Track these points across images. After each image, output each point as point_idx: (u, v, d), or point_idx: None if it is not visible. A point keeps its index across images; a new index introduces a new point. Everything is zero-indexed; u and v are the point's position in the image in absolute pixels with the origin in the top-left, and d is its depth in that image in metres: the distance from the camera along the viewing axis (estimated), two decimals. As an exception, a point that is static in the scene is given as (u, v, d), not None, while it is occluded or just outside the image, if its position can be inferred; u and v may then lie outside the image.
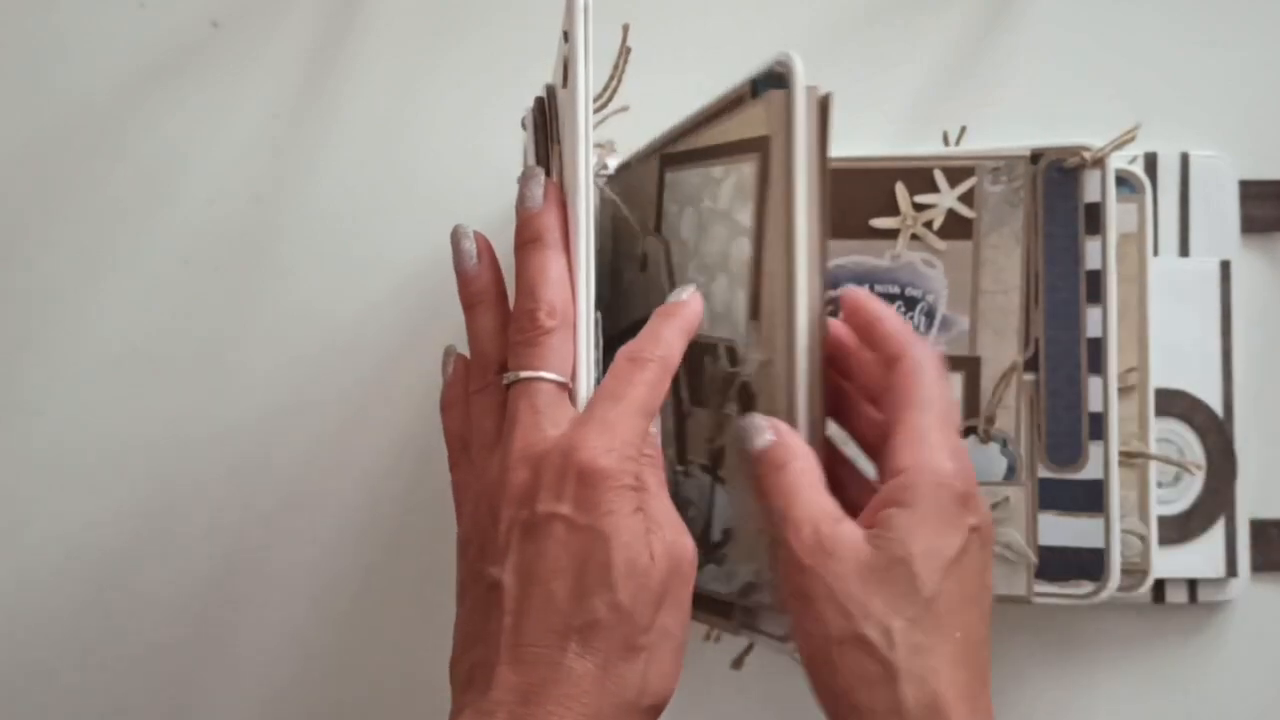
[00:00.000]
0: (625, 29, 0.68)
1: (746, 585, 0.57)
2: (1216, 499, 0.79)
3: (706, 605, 0.60)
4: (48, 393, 0.84)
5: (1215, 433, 0.78)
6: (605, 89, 0.70)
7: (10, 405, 0.84)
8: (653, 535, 0.49)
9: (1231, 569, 0.79)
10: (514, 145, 0.78)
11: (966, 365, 0.73)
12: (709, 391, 0.60)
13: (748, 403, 0.56)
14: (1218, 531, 0.79)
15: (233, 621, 0.84)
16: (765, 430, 0.53)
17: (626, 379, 0.51)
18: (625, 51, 0.67)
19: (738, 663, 0.69)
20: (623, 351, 0.52)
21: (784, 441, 0.53)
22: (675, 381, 0.56)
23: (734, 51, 0.84)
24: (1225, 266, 0.79)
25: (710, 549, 0.59)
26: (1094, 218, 0.69)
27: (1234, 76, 0.84)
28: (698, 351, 0.60)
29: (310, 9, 0.85)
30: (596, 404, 0.50)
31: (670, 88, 0.84)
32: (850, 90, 0.83)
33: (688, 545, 0.50)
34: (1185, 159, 0.80)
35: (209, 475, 0.83)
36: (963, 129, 0.77)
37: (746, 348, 0.57)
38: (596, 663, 0.46)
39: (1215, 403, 0.79)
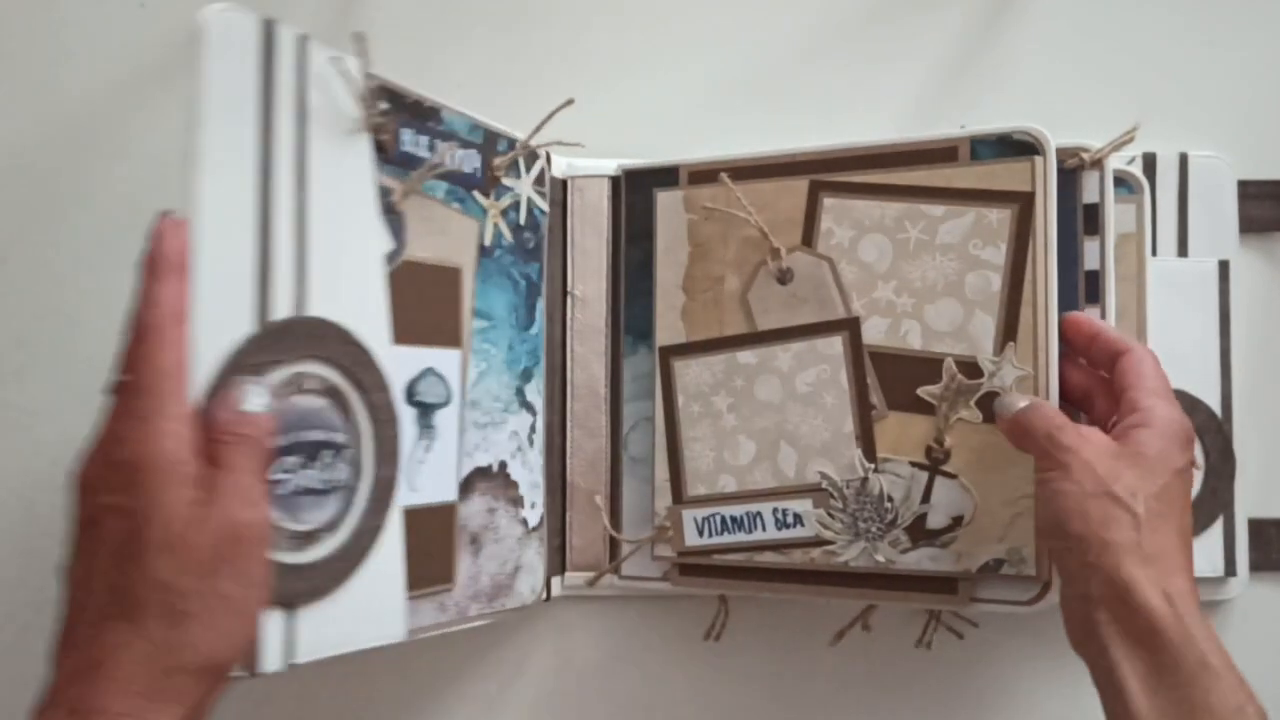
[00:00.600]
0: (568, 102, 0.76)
1: (992, 562, 0.70)
2: (1215, 498, 0.79)
3: (924, 584, 0.72)
4: (47, 393, 0.84)
5: (1214, 433, 0.79)
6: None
7: (10, 405, 0.84)
8: (209, 508, 0.52)
9: (1230, 568, 0.80)
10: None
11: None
12: (935, 399, 0.72)
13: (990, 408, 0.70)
14: (1216, 531, 0.79)
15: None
16: (1020, 400, 0.67)
17: (155, 373, 0.53)
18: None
19: (838, 637, 0.80)
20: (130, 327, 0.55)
21: (1038, 402, 0.67)
22: (864, 389, 0.73)
23: (734, 52, 0.86)
24: (1224, 266, 0.80)
25: (929, 535, 0.72)
26: (1092, 218, 0.71)
27: (1234, 76, 0.84)
28: (903, 365, 0.73)
29: (309, 8, 0.86)
30: (130, 399, 0.53)
31: (670, 87, 0.85)
32: (850, 90, 0.84)
33: (253, 517, 0.54)
34: (1184, 159, 0.81)
35: None
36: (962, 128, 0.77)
37: (996, 364, 0.70)
38: (136, 632, 0.50)
39: (1214, 402, 0.79)
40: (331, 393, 0.63)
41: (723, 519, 0.77)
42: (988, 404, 0.70)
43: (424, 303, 0.69)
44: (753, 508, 0.76)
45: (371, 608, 0.65)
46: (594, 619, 0.84)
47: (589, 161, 0.83)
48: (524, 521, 0.78)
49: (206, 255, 0.57)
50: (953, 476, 0.71)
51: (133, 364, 0.54)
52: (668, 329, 0.79)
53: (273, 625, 0.58)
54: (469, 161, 0.74)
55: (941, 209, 0.72)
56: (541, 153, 0.81)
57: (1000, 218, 0.70)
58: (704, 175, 0.79)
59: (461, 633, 0.73)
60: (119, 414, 0.54)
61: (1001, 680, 0.81)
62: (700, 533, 0.77)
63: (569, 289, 0.83)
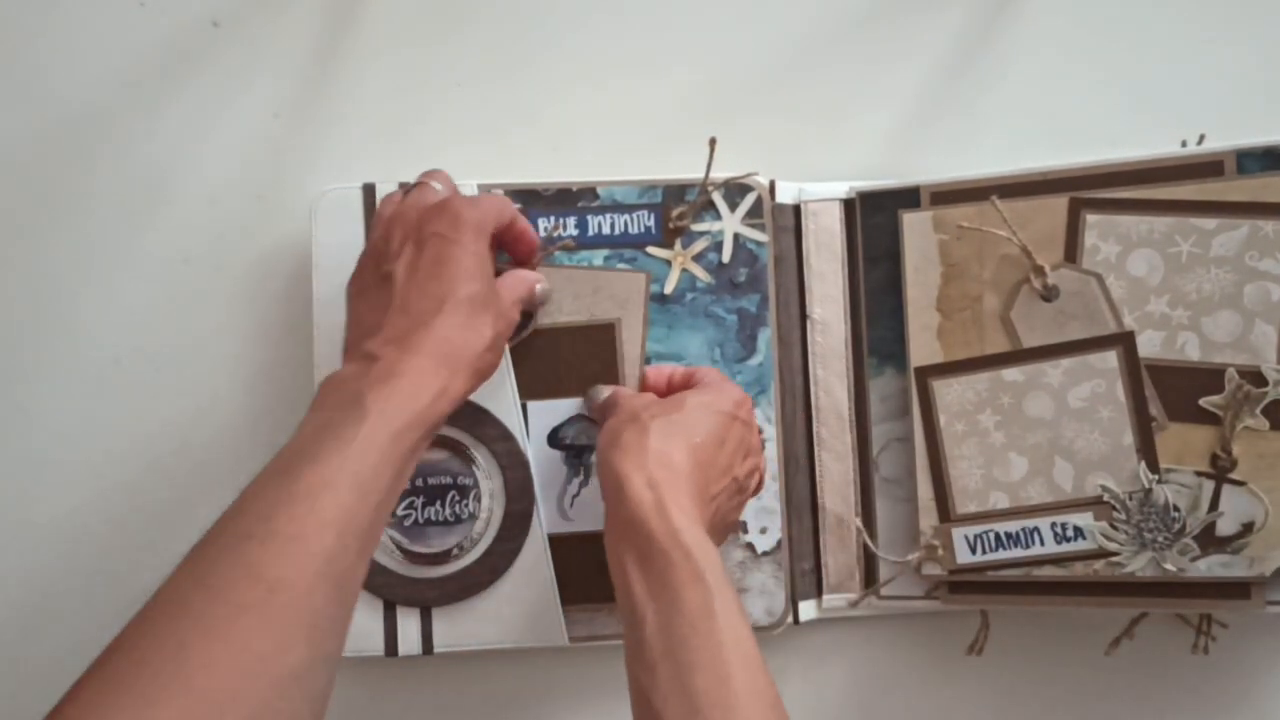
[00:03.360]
0: (712, 142, 0.79)
1: None
2: None
3: (1209, 590, 0.75)
4: (48, 392, 0.83)
5: None
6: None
7: (10, 405, 0.83)
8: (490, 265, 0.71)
9: None
10: (513, 143, 0.84)
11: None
12: (1219, 409, 0.74)
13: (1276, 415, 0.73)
14: None
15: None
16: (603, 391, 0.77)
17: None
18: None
19: (1114, 645, 0.81)
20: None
21: (621, 391, 0.77)
22: (1143, 402, 0.75)
23: (735, 52, 0.86)
24: None
25: (1219, 542, 0.74)
26: None
27: (1234, 76, 0.87)
28: (1182, 376, 0.75)
29: (310, 8, 0.85)
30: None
31: (670, 87, 0.86)
32: (850, 90, 0.86)
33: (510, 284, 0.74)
34: None
35: (211, 472, 0.84)
36: (1201, 136, 0.79)
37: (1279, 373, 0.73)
38: (457, 323, 0.66)
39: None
40: (452, 445, 0.80)
41: (997, 535, 0.78)
42: (1274, 412, 0.73)
43: (567, 359, 0.80)
44: (1029, 523, 0.78)
45: (514, 614, 0.80)
46: (846, 641, 0.84)
47: (820, 186, 0.83)
48: (749, 546, 0.80)
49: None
50: (1240, 484, 0.74)
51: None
52: (922, 349, 0.79)
53: (409, 622, 0.80)
54: (637, 222, 0.81)
55: (1213, 223, 0.74)
56: (755, 185, 0.81)
57: (1277, 230, 0.73)
58: (947, 195, 0.79)
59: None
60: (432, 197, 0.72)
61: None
62: (973, 550, 0.78)
63: (807, 313, 0.81)
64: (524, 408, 0.80)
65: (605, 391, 0.77)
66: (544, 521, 0.80)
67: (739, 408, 0.72)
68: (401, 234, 0.69)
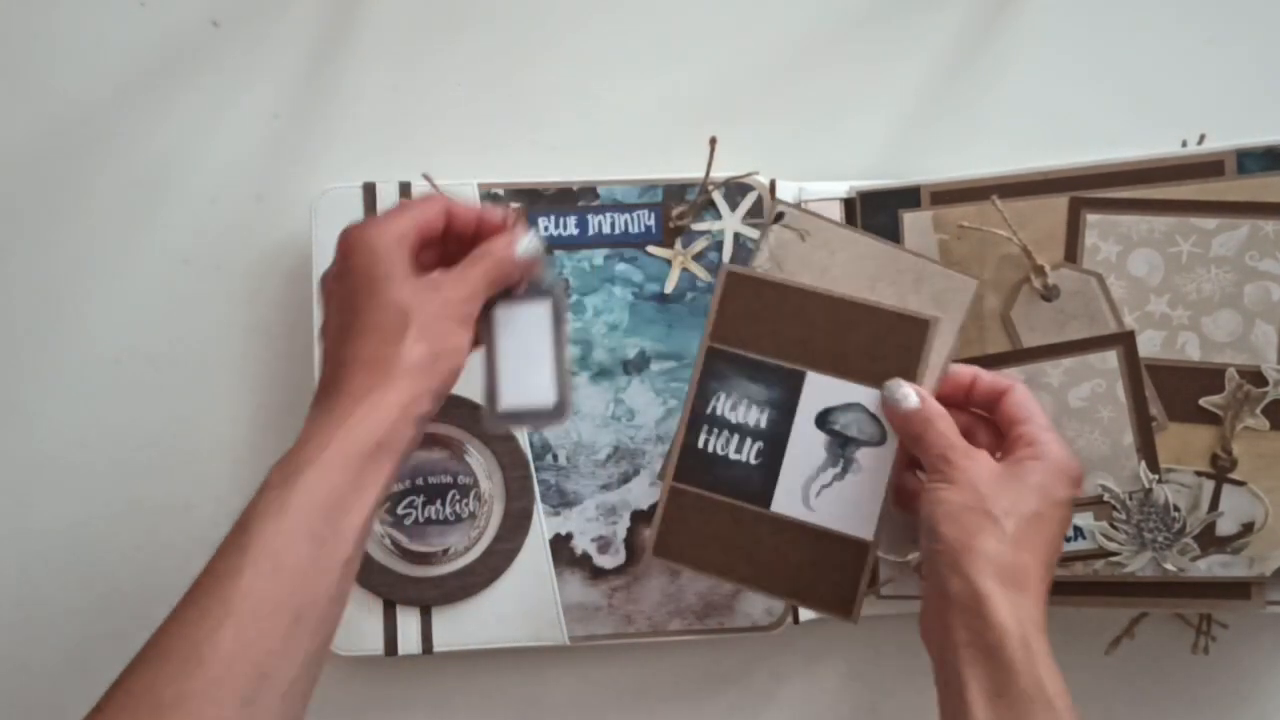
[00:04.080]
0: (713, 141, 0.79)
1: None
2: None
3: (1209, 590, 0.75)
4: (48, 392, 0.83)
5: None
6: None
7: (10, 405, 0.83)
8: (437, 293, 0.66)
9: None
10: (513, 143, 0.85)
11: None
12: (1219, 409, 0.74)
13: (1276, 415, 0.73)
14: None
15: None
16: (910, 395, 0.70)
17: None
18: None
19: (1114, 645, 0.81)
20: None
21: (932, 413, 0.70)
22: (1143, 402, 0.75)
23: (735, 52, 0.87)
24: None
25: (1220, 542, 0.74)
26: None
27: (1234, 76, 0.87)
28: (1182, 376, 0.75)
29: (310, 8, 0.86)
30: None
31: (670, 87, 0.87)
32: (850, 90, 0.87)
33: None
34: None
35: (211, 472, 0.84)
36: (1201, 136, 0.79)
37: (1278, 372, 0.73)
38: (368, 392, 0.61)
39: None
40: (451, 444, 0.80)
41: (997, 536, 0.77)
42: (1274, 412, 0.73)
43: (862, 341, 0.73)
44: (1030, 523, 0.77)
45: (514, 614, 0.80)
46: (846, 641, 0.85)
47: (820, 185, 0.83)
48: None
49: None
50: (1240, 484, 0.74)
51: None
52: (923, 349, 0.79)
53: (409, 622, 0.80)
54: (638, 222, 0.81)
55: (1213, 222, 0.74)
56: (755, 185, 0.81)
57: (1277, 230, 0.73)
58: (947, 195, 0.79)
59: (711, 650, 0.82)
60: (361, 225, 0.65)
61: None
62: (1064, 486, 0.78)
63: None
64: (801, 375, 0.73)
65: (912, 397, 0.70)
66: (781, 500, 0.74)
67: (1077, 488, 0.69)
68: (326, 290, 0.67)
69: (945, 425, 0.69)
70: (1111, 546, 0.76)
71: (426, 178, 0.78)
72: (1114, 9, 0.86)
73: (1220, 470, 0.74)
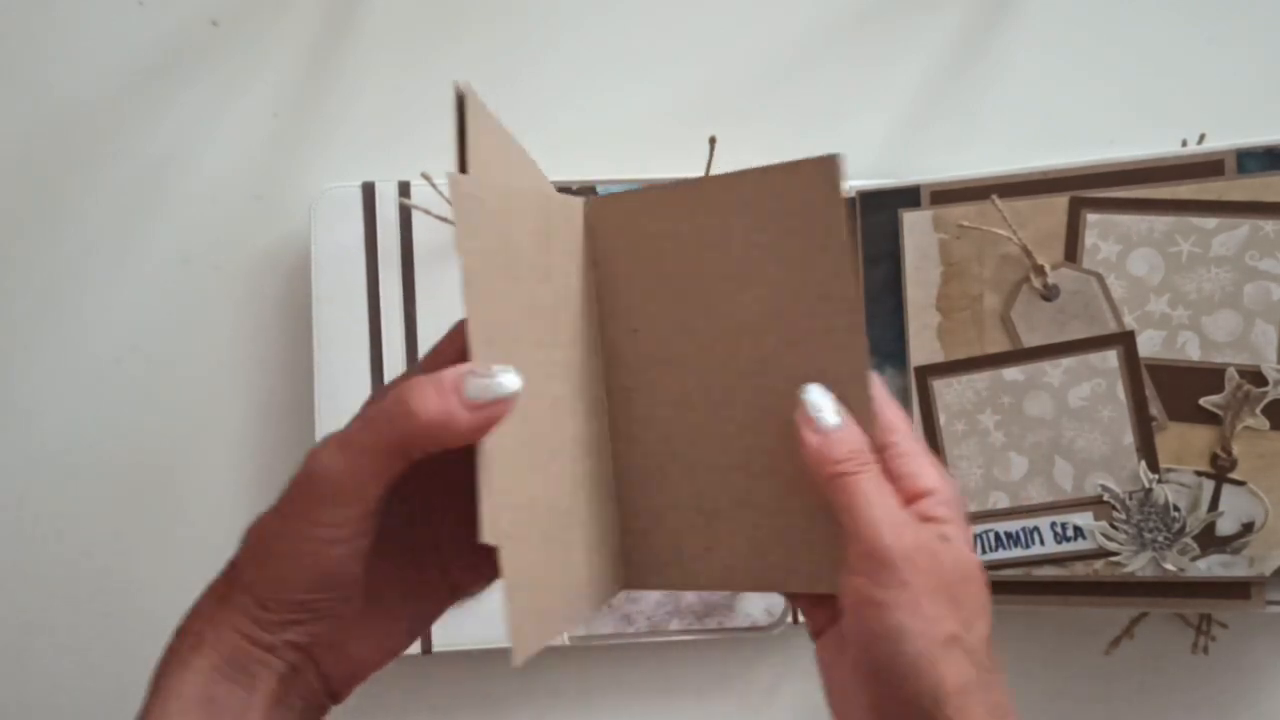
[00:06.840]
0: (713, 141, 0.80)
1: None
2: None
3: (1209, 590, 0.75)
4: (48, 392, 0.83)
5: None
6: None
7: (10, 405, 0.83)
8: None
9: None
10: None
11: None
12: (1219, 409, 0.74)
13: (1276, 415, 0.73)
14: None
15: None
16: (831, 413, 0.51)
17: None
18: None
19: (1114, 645, 0.81)
20: None
21: (861, 473, 0.50)
22: (1143, 401, 0.75)
23: (735, 51, 0.87)
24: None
25: (1219, 542, 0.74)
26: None
27: (1234, 76, 0.87)
28: (1181, 376, 0.75)
29: (309, 8, 0.85)
30: None
31: (670, 87, 0.86)
32: (850, 90, 0.87)
33: None
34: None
35: (210, 472, 0.84)
36: (1201, 135, 0.80)
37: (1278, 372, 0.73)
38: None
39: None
40: None
41: (997, 535, 0.78)
42: (1274, 411, 0.73)
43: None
44: (1029, 523, 0.78)
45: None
46: None
47: None
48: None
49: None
50: (1240, 483, 0.74)
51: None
52: (923, 348, 0.79)
53: None
54: None
55: (1213, 222, 0.74)
56: None
57: (1277, 229, 0.73)
58: (947, 195, 0.79)
59: (711, 650, 0.83)
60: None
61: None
62: (973, 549, 0.78)
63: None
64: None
65: (833, 417, 0.50)
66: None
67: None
68: None
69: (873, 481, 0.50)
70: (1111, 546, 0.76)
71: (426, 177, 0.77)
72: (1114, 9, 0.86)
73: (1220, 470, 0.74)
